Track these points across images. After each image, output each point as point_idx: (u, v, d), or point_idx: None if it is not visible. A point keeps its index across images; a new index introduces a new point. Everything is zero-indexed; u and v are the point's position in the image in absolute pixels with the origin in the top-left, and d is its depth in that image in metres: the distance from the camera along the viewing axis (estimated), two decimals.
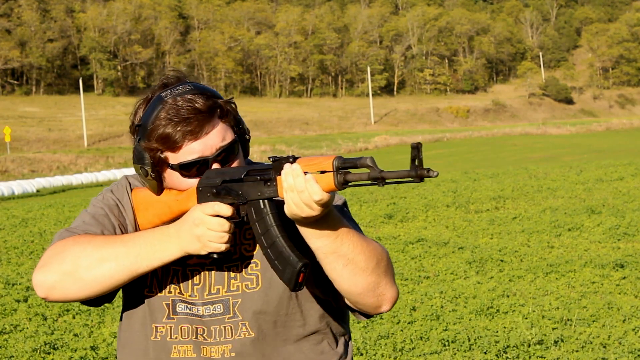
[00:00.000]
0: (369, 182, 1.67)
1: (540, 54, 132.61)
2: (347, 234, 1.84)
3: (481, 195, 15.90)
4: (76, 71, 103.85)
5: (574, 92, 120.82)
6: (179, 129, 1.91)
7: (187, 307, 2.00)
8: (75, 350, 6.36)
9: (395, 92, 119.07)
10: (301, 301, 2.02)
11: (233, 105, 2.00)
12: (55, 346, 6.52)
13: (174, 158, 1.94)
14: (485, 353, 5.87)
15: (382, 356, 5.94)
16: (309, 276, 1.90)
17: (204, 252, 1.87)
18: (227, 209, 1.85)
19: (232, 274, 2.00)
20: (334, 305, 2.04)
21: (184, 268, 2.02)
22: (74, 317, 7.49)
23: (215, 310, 1.99)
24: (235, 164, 1.98)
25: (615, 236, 10.49)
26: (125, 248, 1.89)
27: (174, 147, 1.93)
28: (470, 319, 6.86)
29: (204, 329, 1.99)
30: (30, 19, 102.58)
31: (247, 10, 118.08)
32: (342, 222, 1.84)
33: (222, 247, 1.86)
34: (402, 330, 6.51)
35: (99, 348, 6.43)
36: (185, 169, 1.94)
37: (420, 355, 5.94)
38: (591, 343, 6.02)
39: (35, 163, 50.69)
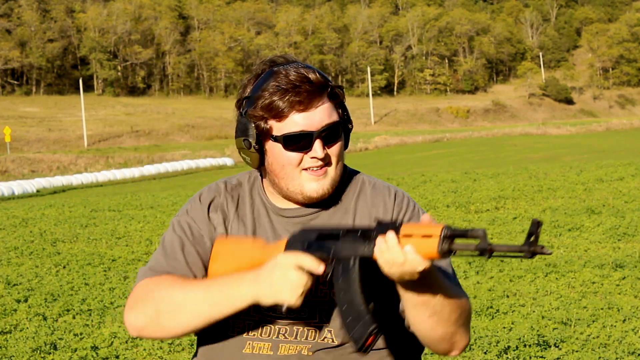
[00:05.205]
0: (476, 253, 1.61)
1: (540, 54, 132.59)
2: (440, 288, 1.83)
3: (481, 195, 15.89)
4: (76, 71, 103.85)
5: (574, 92, 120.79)
6: (287, 97, 1.88)
7: (269, 308, 1.94)
8: (75, 351, 6.36)
9: (395, 92, 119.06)
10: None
11: (342, 91, 1.97)
12: (56, 346, 6.52)
13: (277, 129, 1.91)
14: (485, 353, 5.87)
15: None
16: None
17: (271, 301, 1.80)
18: (311, 264, 1.78)
19: (321, 279, 1.93)
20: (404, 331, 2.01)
21: None
22: (74, 317, 7.49)
23: (300, 314, 1.95)
24: (336, 147, 1.93)
25: (615, 236, 10.48)
26: (203, 294, 1.86)
27: (280, 115, 1.89)
28: None
29: (286, 329, 1.96)
30: (30, 19, 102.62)
31: (247, 10, 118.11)
32: (437, 277, 1.82)
33: (293, 301, 1.78)
34: None
35: (99, 348, 6.42)
36: (289, 141, 1.90)
37: None
38: (591, 343, 6.02)
39: (35, 163, 50.75)
